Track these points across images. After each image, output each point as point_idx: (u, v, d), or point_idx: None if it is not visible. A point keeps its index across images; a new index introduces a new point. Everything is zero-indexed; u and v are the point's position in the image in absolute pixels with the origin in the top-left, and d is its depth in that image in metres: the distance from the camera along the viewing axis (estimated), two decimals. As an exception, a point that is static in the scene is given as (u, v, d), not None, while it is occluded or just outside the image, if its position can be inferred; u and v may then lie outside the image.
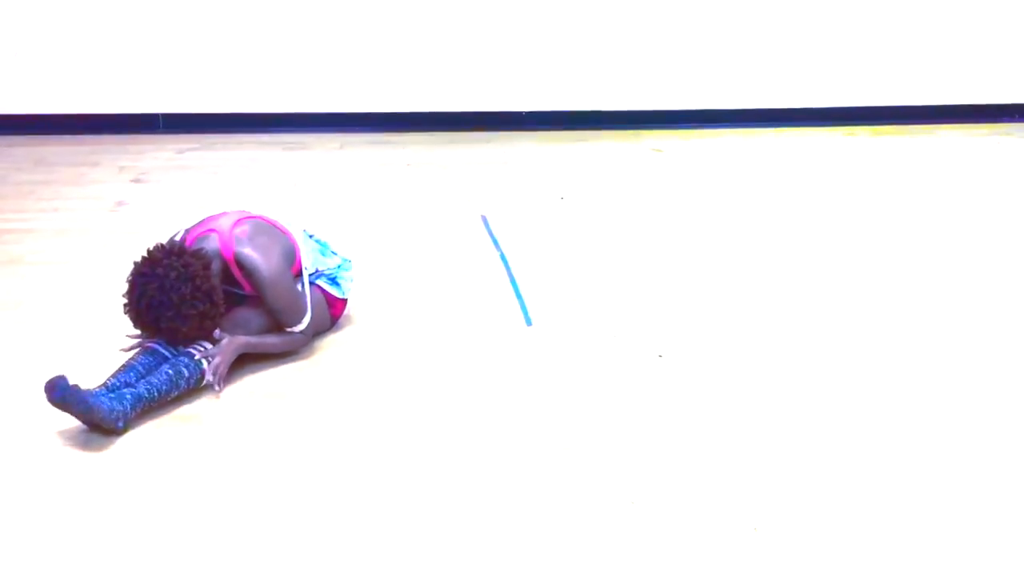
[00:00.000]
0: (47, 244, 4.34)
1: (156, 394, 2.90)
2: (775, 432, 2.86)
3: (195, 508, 2.51)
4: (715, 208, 4.96)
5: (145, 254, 3.00)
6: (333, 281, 3.45)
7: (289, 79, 6.56)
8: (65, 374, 2.81)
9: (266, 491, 2.58)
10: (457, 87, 6.68)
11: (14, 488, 2.59)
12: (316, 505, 2.52)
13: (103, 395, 2.81)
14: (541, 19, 6.65)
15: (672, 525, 2.43)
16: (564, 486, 2.59)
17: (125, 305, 2.99)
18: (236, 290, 3.20)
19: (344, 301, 3.50)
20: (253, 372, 3.20)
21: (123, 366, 2.98)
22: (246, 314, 3.21)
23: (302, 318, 3.25)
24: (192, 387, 3.01)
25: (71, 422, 2.83)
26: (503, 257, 4.25)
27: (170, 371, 2.95)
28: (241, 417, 2.95)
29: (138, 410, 2.85)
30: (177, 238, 3.20)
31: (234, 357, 3.13)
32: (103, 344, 3.24)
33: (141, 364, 2.98)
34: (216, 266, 3.09)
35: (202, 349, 3.04)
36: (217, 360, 3.05)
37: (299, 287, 3.27)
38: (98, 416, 2.75)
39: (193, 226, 3.25)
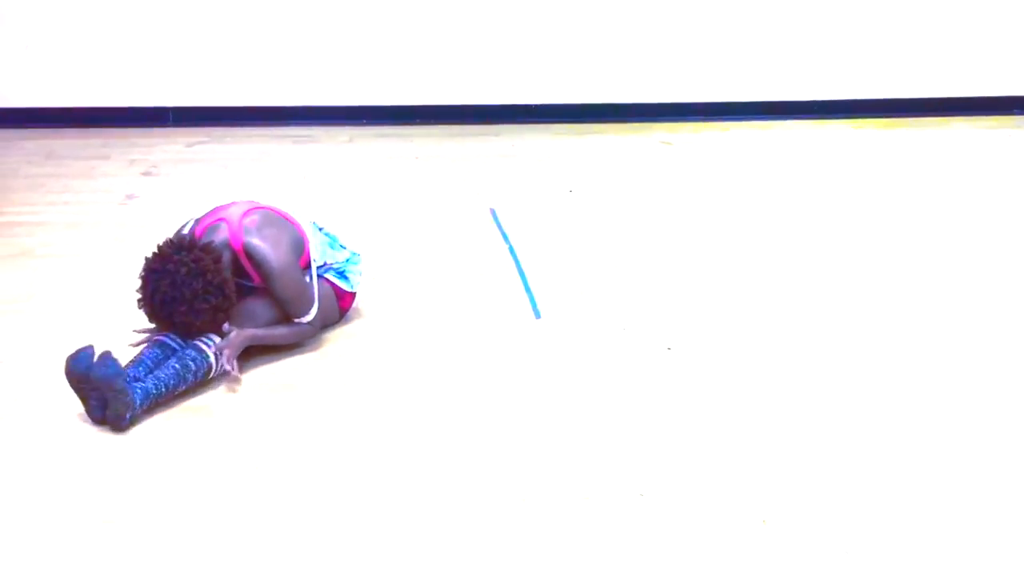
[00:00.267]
0: (58, 237, 4.36)
1: (164, 389, 2.92)
2: (784, 425, 2.86)
3: (205, 499, 2.52)
4: (724, 201, 4.95)
5: (156, 250, 3.02)
6: (341, 275, 3.46)
7: (298, 72, 6.56)
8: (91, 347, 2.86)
9: (276, 482, 2.59)
10: (466, 80, 6.67)
11: (24, 478, 2.60)
12: (327, 496, 2.53)
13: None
14: (550, 12, 6.63)
15: (681, 517, 2.44)
16: (573, 478, 2.59)
17: (139, 300, 3.01)
18: (245, 282, 3.21)
19: (353, 294, 3.51)
20: (262, 364, 3.21)
21: (132, 360, 2.99)
22: (254, 306, 3.22)
23: (309, 309, 3.26)
24: (199, 380, 3.02)
25: (80, 413, 2.85)
26: (512, 250, 4.25)
27: (177, 365, 2.96)
28: (251, 409, 2.96)
29: (145, 406, 2.87)
30: (186, 229, 3.22)
31: (242, 349, 3.14)
32: (113, 337, 3.24)
33: (149, 358, 2.99)
34: (226, 257, 3.10)
35: (210, 343, 3.06)
36: (227, 353, 3.07)
37: (307, 279, 3.28)
38: (117, 386, 2.78)
39: (203, 216, 3.26)
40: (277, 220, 3.27)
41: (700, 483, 2.57)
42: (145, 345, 3.05)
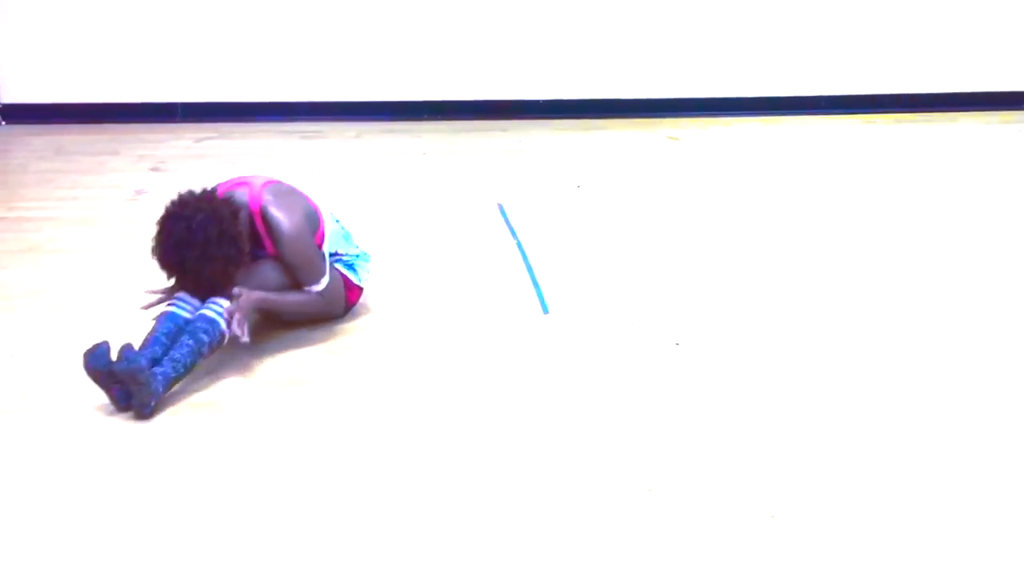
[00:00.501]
0: (67, 232, 4.37)
1: (183, 369, 2.95)
2: (792, 420, 2.86)
3: (213, 494, 2.52)
4: (732, 196, 4.95)
5: (175, 197, 3.05)
6: (351, 267, 3.47)
7: (306, 68, 6.57)
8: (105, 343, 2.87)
9: (284, 478, 2.60)
10: (473, 76, 6.68)
11: (33, 472, 2.61)
12: (335, 491, 2.53)
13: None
14: (557, 8, 6.63)
15: (689, 513, 2.44)
16: (581, 474, 2.59)
17: (153, 249, 3.04)
18: (257, 251, 3.23)
19: (360, 289, 3.52)
20: (270, 358, 3.22)
21: (145, 340, 3.00)
22: (265, 270, 3.24)
23: (320, 278, 3.29)
24: (215, 349, 3.04)
25: (90, 408, 2.86)
26: (520, 245, 4.26)
27: (191, 342, 2.97)
28: (259, 404, 2.97)
29: (167, 389, 2.89)
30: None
31: (251, 310, 3.16)
32: (123, 331, 3.25)
33: (163, 334, 3.00)
34: (243, 215, 3.13)
35: (220, 310, 3.06)
36: (238, 316, 3.07)
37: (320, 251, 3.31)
38: (141, 379, 2.79)
39: (225, 181, 3.30)
40: (297, 194, 3.33)
41: (708, 478, 2.57)
42: (156, 320, 3.05)
